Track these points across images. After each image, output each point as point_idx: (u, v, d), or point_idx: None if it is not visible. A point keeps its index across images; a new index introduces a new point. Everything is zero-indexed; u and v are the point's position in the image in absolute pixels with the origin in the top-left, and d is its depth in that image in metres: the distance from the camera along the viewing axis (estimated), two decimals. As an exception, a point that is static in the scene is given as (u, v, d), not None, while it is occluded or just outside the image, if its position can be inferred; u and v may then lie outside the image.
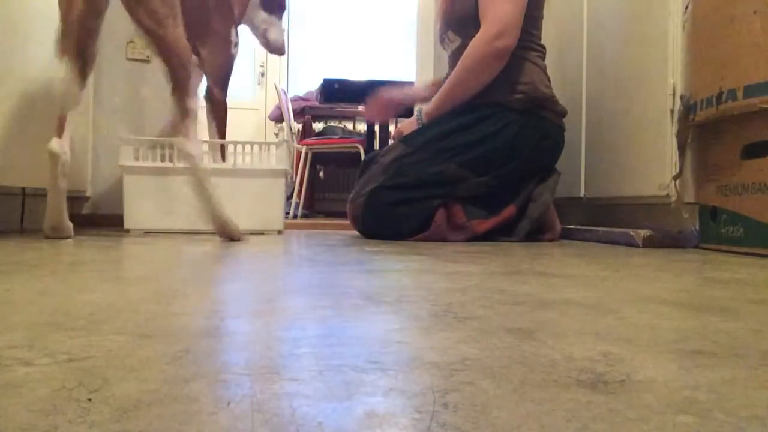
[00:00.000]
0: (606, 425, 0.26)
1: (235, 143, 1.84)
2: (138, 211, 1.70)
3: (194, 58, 1.87)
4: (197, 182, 1.42)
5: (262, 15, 2.03)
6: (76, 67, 1.40)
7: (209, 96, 1.93)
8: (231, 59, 1.93)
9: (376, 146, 3.44)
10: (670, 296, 0.64)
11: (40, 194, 1.75)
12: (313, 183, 3.97)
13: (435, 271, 0.84)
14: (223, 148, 1.85)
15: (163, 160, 1.76)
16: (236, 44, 1.93)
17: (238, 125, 3.19)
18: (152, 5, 1.37)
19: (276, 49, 2.09)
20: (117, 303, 0.54)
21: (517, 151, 1.60)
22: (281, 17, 2.07)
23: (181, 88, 1.42)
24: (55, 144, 1.39)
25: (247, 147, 1.85)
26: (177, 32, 1.41)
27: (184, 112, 1.42)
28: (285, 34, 2.07)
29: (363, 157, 2.40)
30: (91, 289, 0.62)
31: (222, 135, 1.93)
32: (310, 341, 0.41)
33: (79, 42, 1.40)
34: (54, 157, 1.39)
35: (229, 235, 1.46)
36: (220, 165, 1.79)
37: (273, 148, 1.85)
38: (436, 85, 1.86)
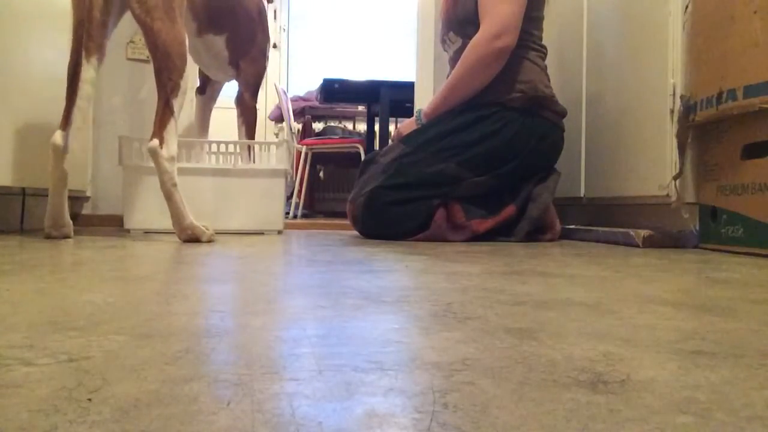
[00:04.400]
0: (606, 425, 0.26)
1: (236, 143, 1.85)
2: (138, 211, 1.70)
3: (230, 68, 2.00)
4: (163, 186, 1.37)
5: None
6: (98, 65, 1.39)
7: (240, 101, 2.04)
8: (264, 70, 2.10)
9: (376, 146, 3.45)
10: (670, 296, 0.64)
11: (40, 194, 1.75)
12: (313, 183, 3.97)
13: (435, 271, 0.84)
14: (249, 148, 1.89)
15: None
16: (268, 58, 2.13)
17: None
18: None
19: None
20: (117, 303, 0.54)
21: (516, 151, 1.60)
22: None
23: (166, 86, 1.38)
24: (58, 136, 1.38)
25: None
26: (170, 26, 1.38)
27: (167, 112, 1.38)
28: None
29: (363, 157, 2.40)
30: (91, 289, 0.62)
31: (251, 137, 2.02)
32: (310, 341, 0.41)
33: (100, 39, 1.38)
34: (56, 149, 1.38)
35: (193, 239, 1.38)
36: (221, 165, 1.80)
37: (273, 148, 1.85)
38: None
